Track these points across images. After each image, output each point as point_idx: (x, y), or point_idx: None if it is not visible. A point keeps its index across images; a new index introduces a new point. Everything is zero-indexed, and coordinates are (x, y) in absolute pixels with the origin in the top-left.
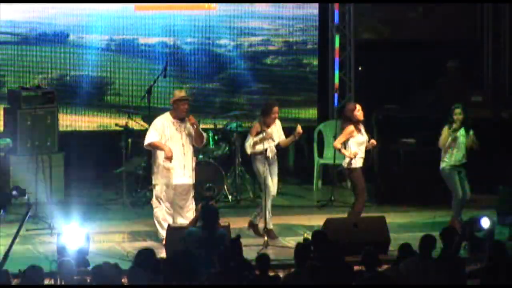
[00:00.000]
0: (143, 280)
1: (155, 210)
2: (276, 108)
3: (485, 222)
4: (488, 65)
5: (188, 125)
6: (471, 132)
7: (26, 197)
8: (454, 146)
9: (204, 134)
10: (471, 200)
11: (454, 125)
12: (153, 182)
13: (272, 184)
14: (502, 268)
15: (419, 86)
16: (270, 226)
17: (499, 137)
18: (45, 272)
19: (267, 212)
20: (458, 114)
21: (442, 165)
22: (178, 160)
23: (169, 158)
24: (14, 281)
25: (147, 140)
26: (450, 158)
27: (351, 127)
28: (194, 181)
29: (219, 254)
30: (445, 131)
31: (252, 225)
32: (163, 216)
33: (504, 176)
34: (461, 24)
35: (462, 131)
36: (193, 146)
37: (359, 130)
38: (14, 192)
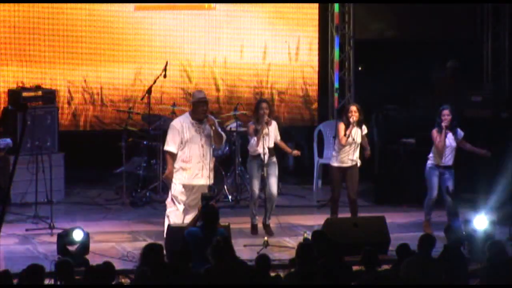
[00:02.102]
0: (149, 279)
1: (168, 210)
2: (264, 104)
3: (479, 222)
4: (488, 65)
5: (207, 126)
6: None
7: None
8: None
9: (223, 134)
10: (471, 200)
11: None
12: (171, 181)
13: (270, 184)
14: (502, 268)
15: (419, 86)
16: (256, 222)
17: (499, 137)
18: (45, 272)
19: (251, 212)
20: (446, 115)
21: (427, 162)
22: (196, 161)
23: (167, 177)
24: (14, 281)
25: (166, 147)
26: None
27: (341, 125)
28: (211, 182)
29: (212, 250)
30: (436, 134)
31: (264, 226)
32: (174, 217)
33: (504, 176)
34: (461, 24)
35: (450, 134)
36: (212, 147)
37: (346, 132)
38: (10, 107)
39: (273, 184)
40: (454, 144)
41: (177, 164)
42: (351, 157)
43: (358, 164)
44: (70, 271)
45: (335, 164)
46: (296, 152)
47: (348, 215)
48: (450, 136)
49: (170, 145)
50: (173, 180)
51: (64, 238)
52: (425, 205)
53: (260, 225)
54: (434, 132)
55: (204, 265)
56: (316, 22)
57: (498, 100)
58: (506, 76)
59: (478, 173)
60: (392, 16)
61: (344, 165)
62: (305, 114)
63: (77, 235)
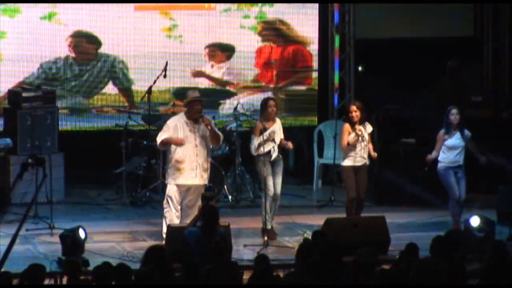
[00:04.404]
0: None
1: (165, 210)
2: (271, 102)
3: (475, 221)
4: (488, 65)
5: (203, 126)
6: (469, 134)
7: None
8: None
9: (220, 134)
10: (470, 200)
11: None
12: (166, 181)
13: (275, 184)
14: (502, 268)
15: (419, 86)
16: (269, 226)
17: (499, 137)
18: (45, 272)
19: (266, 213)
20: (455, 114)
21: (438, 165)
22: (190, 161)
23: (182, 144)
24: (14, 281)
25: (158, 140)
26: (445, 159)
27: (346, 126)
28: (206, 182)
29: (212, 250)
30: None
31: (265, 230)
32: (171, 217)
33: (504, 176)
34: (461, 24)
35: (458, 134)
36: (208, 147)
37: (353, 130)
38: (29, 160)
39: (279, 184)
40: (462, 143)
41: (171, 164)
42: (363, 155)
43: (367, 163)
44: (79, 271)
45: (348, 163)
46: (288, 144)
47: None
48: (457, 135)
49: (162, 136)
50: (168, 180)
51: (70, 238)
52: (450, 207)
53: (259, 225)
54: (440, 132)
55: (204, 265)
56: (316, 22)
57: (498, 100)
58: (506, 76)
59: (478, 173)
60: (392, 16)
61: (357, 164)
62: (305, 114)
63: (82, 234)
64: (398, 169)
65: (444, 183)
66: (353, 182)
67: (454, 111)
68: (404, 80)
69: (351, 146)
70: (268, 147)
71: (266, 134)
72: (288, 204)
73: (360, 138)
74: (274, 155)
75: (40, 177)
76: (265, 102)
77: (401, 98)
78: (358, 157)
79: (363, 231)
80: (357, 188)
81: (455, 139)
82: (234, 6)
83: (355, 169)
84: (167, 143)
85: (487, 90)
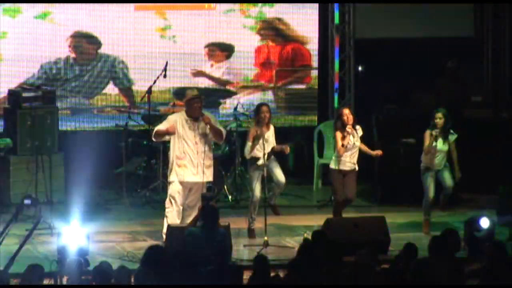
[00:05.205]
0: (150, 280)
1: (167, 210)
2: (264, 108)
3: (485, 222)
4: (488, 65)
5: (203, 124)
6: (452, 139)
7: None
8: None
9: (223, 130)
10: (471, 200)
11: (434, 132)
12: (168, 180)
13: (277, 174)
14: (502, 268)
15: (419, 86)
16: (253, 227)
17: (499, 137)
18: (45, 272)
19: (250, 215)
20: (438, 118)
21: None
22: (190, 158)
23: (173, 130)
24: (14, 281)
25: (154, 131)
26: (427, 162)
27: (337, 133)
28: (209, 180)
29: (215, 251)
30: (427, 136)
31: (271, 206)
32: (172, 217)
33: (504, 176)
34: (461, 24)
35: (441, 138)
36: (209, 144)
37: (344, 136)
38: (25, 201)
39: (280, 173)
40: (446, 147)
41: (171, 162)
42: (352, 160)
43: (356, 169)
44: (80, 270)
45: (335, 167)
46: (285, 149)
47: (348, 215)
48: (440, 140)
49: (158, 126)
50: (169, 179)
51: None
52: (423, 205)
53: (259, 225)
54: (427, 133)
55: (204, 265)
56: (316, 22)
57: (498, 100)
58: (506, 76)
59: (478, 173)
60: (392, 16)
61: (345, 168)
62: (305, 113)
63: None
64: (398, 169)
65: (422, 182)
66: (341, 185)
67: (438, 114)
68: (404, 80)
69: (345, 151)
70: (262, 151)
71: (258, 137)
72: (288, 204)
73: (350, 142)
74: (266, 161)
75: (41, 176)
76: (258, 108)
77: (401, 98)
78: (347, 162)
79: (363, 231)
80: (346, 189)
81: (439, 143)
82: (236, 7)
83: (342, 172)
84: (160, 134)
85: (487, 90)
